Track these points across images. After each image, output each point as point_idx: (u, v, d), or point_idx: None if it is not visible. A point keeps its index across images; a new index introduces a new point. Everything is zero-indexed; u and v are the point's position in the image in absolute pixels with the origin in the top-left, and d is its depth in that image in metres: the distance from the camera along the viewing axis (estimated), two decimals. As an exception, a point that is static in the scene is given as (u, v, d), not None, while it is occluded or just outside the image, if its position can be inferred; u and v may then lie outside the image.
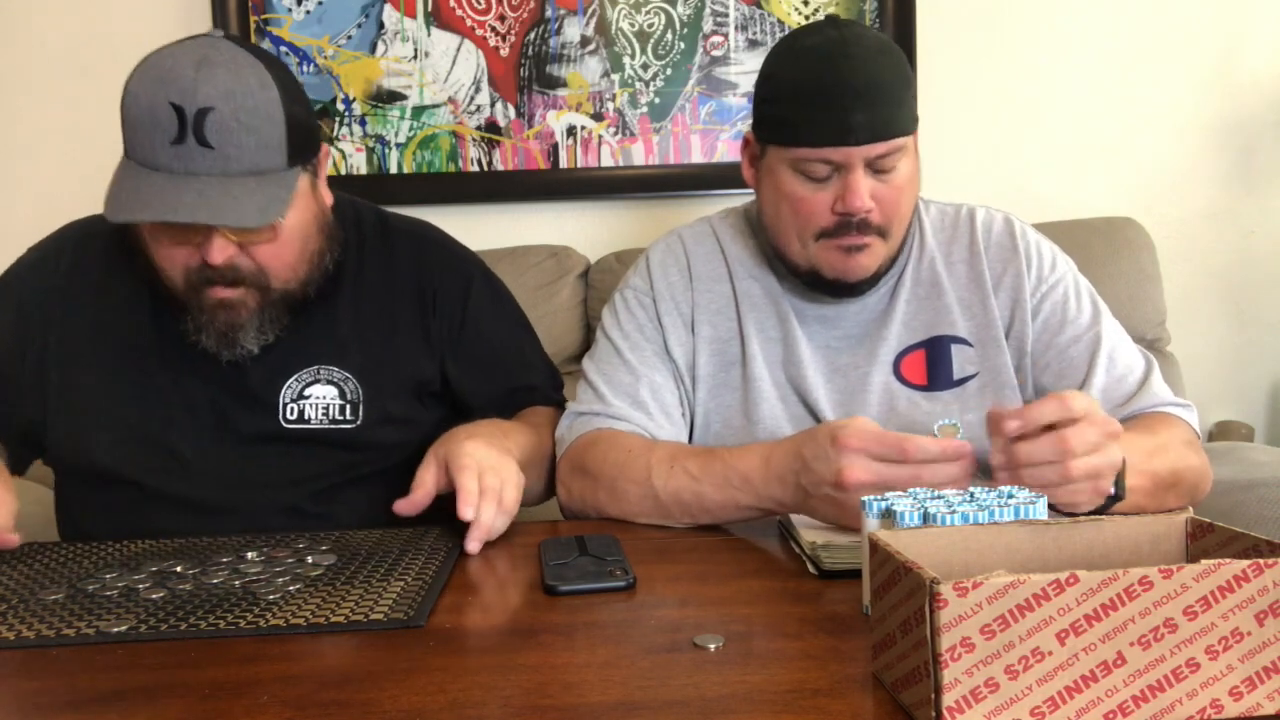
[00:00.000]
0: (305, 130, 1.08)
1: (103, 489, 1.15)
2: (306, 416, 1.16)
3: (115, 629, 0.77)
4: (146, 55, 1.04)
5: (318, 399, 1.16)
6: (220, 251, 1.04)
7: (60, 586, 0.88)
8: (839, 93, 1.05)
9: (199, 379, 1.15)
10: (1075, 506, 0.89)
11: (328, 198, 1.17)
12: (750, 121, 1.17)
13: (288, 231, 1.08)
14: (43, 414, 1.16)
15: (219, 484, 1.14)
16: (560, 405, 1.29)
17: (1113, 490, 0.91)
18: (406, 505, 1.00)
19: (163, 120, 0.98)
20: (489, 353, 1.27)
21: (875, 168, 1.08)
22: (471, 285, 1.27)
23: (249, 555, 0.96)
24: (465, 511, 0.95)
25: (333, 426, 1.16)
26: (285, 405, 1.16)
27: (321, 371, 1.17)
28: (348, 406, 1.17)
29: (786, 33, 1.18)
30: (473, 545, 0.96)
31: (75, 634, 0.76)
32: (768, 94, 1.12)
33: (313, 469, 1.16)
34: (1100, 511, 0.92)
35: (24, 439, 1.20)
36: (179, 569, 0.92)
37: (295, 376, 1.17)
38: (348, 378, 1.18)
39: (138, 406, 1.15)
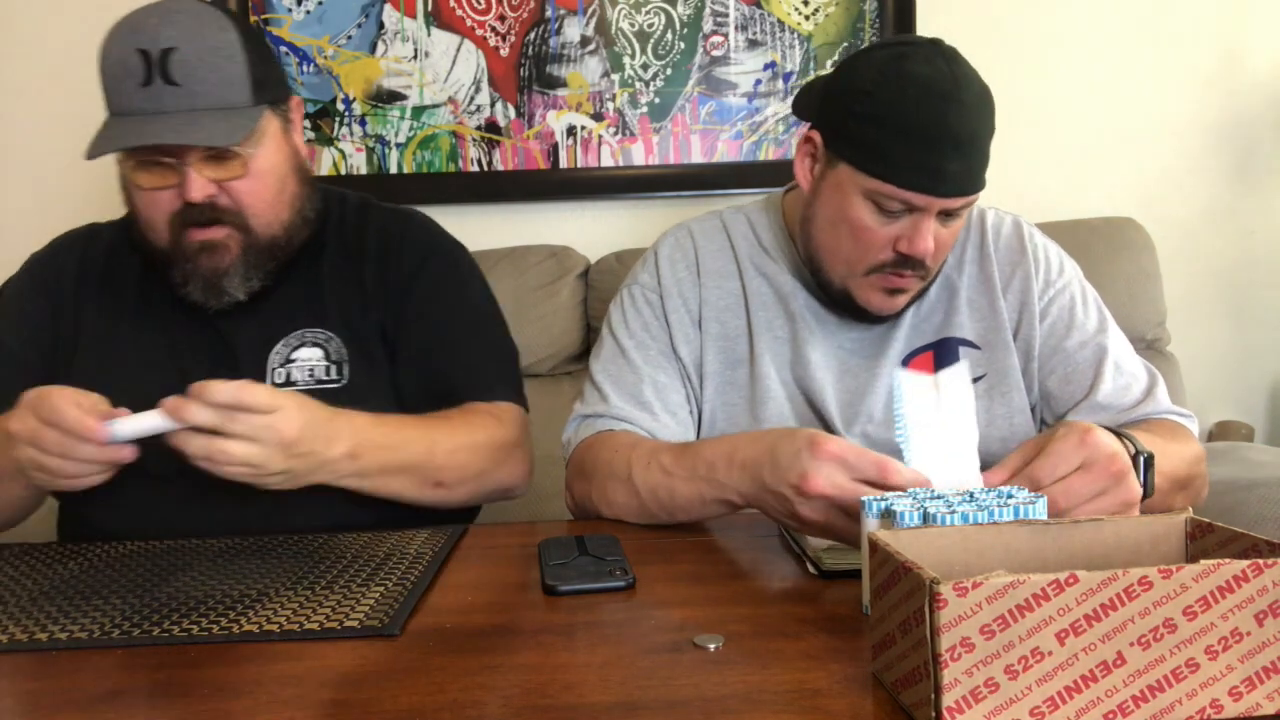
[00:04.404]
0: (267, 72, 1.13)
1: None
2: (293, 379, 1.17)
3: (80, 634, 0.76)
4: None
5: (303, 362, 1.18)
6: (197, 187, 1.08)
7: (28, 589, 0.89)
8: (940, 139, 1.02)
9: (188, 348, 1.17)
10: None
11: (303, 148, 1.21)
12: (806, 120, 1.12)
13: (262, 167, 1.12)
14: None
15: None
16: (511, 401, 1.23)
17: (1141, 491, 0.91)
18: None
19: (132, 67, 1.05)
20: (425, 330, 1.22)
21: (946, 214, 1.08)
22: (430, 259, 1.25)
23: (229, 559, 0.96)
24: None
25: (318, 386, 1.16)
26: (273, 370, 1.17)
27: (307, 335, 1.19)
28: (333, 367, 1.18)
29: (885, 39, 1.13)
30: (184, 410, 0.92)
31: (47, 638, 0.77)
32: (862, 112, 1.06)
33: None
34: None
35: None
36: (159, 573, 0.92)
37: (282, 341, 1.18)
38: (331, 337, 1.19)
39: (132, 381, 1.14)
